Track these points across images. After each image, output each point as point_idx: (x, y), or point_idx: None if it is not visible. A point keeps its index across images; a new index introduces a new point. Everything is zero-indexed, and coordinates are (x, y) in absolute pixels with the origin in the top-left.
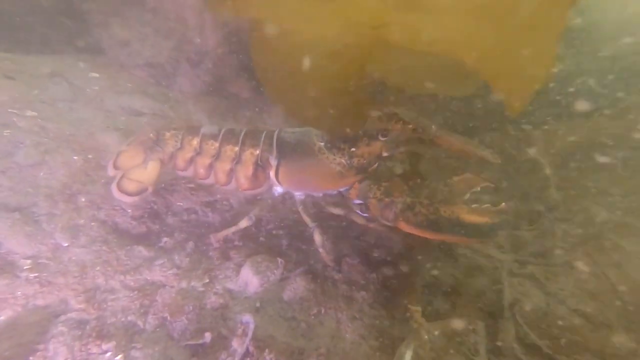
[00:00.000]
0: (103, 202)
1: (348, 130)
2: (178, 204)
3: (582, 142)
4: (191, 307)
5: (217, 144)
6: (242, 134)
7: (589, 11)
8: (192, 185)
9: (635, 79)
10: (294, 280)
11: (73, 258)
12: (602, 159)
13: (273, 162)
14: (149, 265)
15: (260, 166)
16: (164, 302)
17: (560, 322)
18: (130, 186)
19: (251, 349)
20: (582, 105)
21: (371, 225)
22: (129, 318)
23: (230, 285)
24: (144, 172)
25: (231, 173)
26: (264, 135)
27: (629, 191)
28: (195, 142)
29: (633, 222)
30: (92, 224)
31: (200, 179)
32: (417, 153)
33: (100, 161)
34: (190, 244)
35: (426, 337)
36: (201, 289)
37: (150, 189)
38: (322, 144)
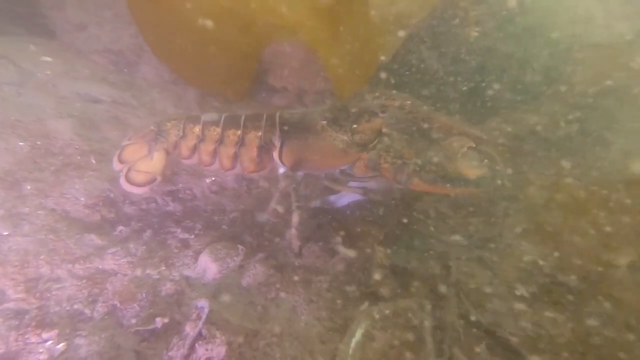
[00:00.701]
0: (52, 189)
1: (350, 107)
2: (137, 192)
3: (525, 133)
4: (144, 295)
5: (219, 129)
6: (243, 117)
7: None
8: None
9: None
10: (253, 266)
11: (14, 247)
12: (542, 149)
13: (277, 142)
14: (101, 253)
15: (264, 148)
16: (114, 290)
17: (500, 300)
18: (139, 177)
19: (204, 332)
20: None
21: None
22: (75, 307)
23: (187, 272)
24: (150, 162)
25: (235, 157)
26: (265, 117)
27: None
28: (197, 129)
29: (575, 208)
30: (39, 212)
31: (205, 165)
32: (413, 128)
33: (50, 148)
34: (148, 233)
35: (377, 316)
36: (156, 276)
37: (159, 179)
38: (325, 122)
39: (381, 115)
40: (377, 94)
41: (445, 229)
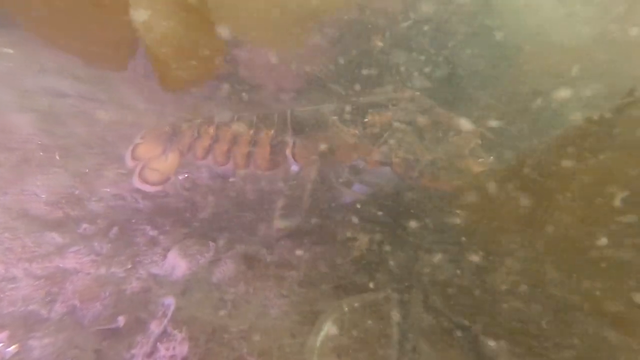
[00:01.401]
0: (9, 186)
1: (360, 101)
2: (104, 189)
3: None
4: (108, 293)
5: (231, 130)
6: (255, 116)
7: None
8: (122, 171)
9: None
10: (224, 262)
11: None
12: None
13: (289, 140)
14: (62, 252)
15: (277, 146)
16: (75, 289)
17: (462, 290)
18: (153, 176)
19: (169, 329)
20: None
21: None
22: (30, 307)
23: (155, 270)
24: (165, 163)
25: (249, 156)
26: (276, 115)
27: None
28: (212, 130)
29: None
30: None
31: (220, 166)
32: (422, 122)
33: (8, 143)
34: (115, 230)
35: (347, 308)
36: (122, 274)
37: (172, 179)
38: (336, 117)
39: (391, 108)
40: (385, 88)
41: (419, 223)
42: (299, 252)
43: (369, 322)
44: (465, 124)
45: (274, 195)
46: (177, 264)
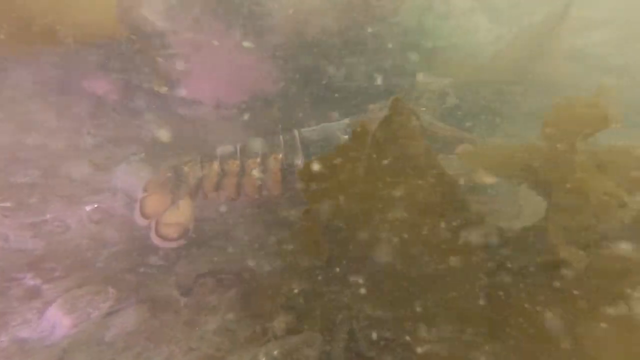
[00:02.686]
0: None
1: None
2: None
3: None
4: None
5: (237, 161)
6: (259, 143)
7: None
8: (8, 205)
9: None
10: (125, 312)
11: None
12: None
13: (300, 161)
14: None
15: (287, 169)
16: None
17: (387, 330)
18: (170, 231)
19: None
20: None
21: None
22: None
23: (25, 332)
24: (177, 212)
25: (260, 185)
26: (282, 138)
27: None
28: (216, 165)
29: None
30: None
31: (232, 200)
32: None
33: None
34: None
35: (264, 359)
36: None
37: (191, 228)
38: (347, 136)
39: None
40: (380, 105)
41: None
42: (219, 293)
43: None
44: (469, 136)
45: (202, 226)
46: (58, 321)
